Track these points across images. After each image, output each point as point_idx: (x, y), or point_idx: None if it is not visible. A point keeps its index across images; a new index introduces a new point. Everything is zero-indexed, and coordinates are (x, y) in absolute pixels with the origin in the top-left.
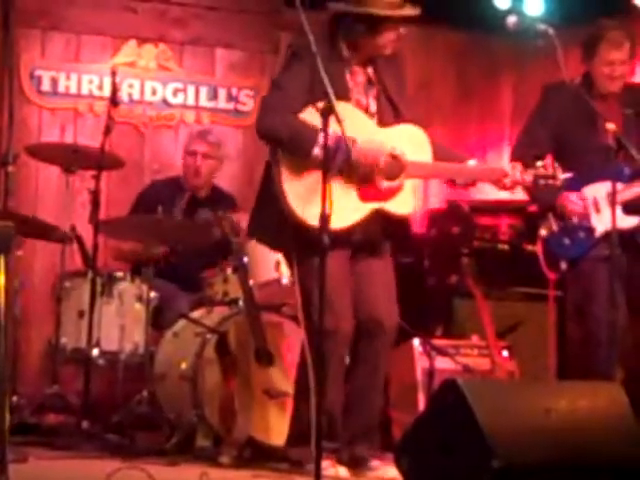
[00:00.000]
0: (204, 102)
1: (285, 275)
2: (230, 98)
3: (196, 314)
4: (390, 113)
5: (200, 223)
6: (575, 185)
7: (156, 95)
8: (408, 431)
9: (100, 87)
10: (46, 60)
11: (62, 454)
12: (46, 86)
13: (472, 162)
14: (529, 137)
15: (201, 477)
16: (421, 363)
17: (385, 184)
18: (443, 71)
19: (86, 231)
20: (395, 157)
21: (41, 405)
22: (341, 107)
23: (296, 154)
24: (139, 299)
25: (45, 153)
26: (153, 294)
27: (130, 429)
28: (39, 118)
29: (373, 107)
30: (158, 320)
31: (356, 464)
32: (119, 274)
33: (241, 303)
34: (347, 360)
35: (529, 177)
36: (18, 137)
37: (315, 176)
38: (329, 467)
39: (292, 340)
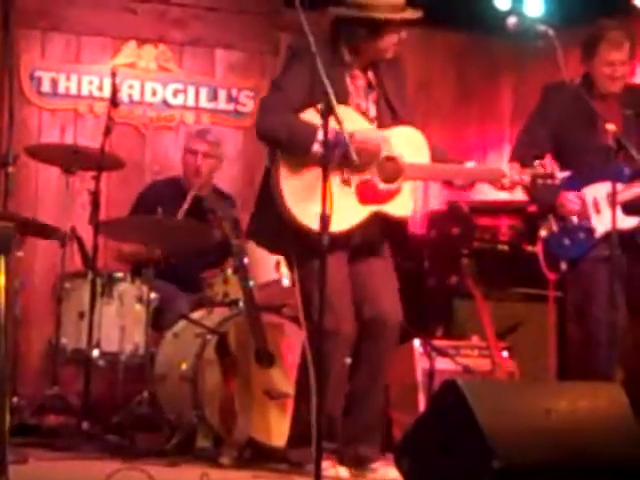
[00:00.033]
0: (204, 103)
1: (285, 276)
2: (230, 99)
3: (196, 315)
4: (389, 117)
5: (207, 211)
6: (575, 185)
7: (156, 96)
8: (408, 432)
9: (100, 88)
10: (46, 61)
11: (62, 455)
12: (46, 87)
13: (470, 163)
14: (529, 137)
15: (201, 478)
16: (421, 364)
17: (383, 186)
18: (443, 72)
19: (86, 232)
20: (393, 159)
21: (41, 406)
22: (340, 110)
23: (295, 152)
24: (139, 300)
25: (45, 154)
26: (153, 295)
27: (130, 430)
28: (39, 119)
29: (373, 111)
30: (158, 321)
31: (358, 464)
32: (119, 275)
33: (241, 304)
34: (348, 361)
35: (527, 177)
36: (18, 138)
37: (314, 177)
38: (329, 468)
39: (292, 341)
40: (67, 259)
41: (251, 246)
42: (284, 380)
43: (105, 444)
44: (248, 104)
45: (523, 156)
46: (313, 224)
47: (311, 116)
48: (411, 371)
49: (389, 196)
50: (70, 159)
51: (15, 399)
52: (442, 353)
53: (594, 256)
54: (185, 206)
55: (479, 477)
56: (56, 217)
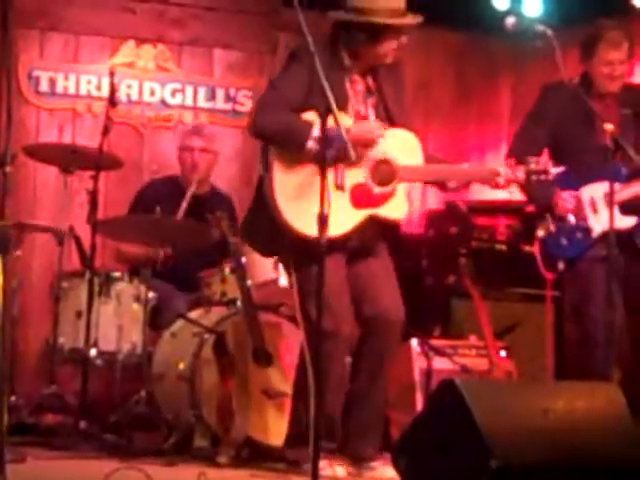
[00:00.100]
0: (202, 103)
1: (283, 275)
2: (228, 98)
3: (194, 314)
4: (386, 122)
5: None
6: (573, 185)
7: (154, 96)
8: (406, 431)
9: (98, 87)
10: (44, 61)
11: (60, 454)
12: (44, 86)
13: (464, 165)
14: (526, 136)
15: (199, 477)
16: (419, 363)
17: (377, 189)
18: (442, 72)
19: (84, 231)
20: (387, 162)
21: (39, 405)
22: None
23: (289, 149)
24: (137, 299)
25: (43, 153)
26: (151, 294)
27: (128, 429)
28: (37, 118)
29: (372, 116)
30: (156, 320)
31: (357, 463)
32: (117, 274)
33: (239, 303)
34: (348, 361)
35: (521, 173)
36: (16, 137)
37: (308, 182)
38: (326, 467)
39: (290, 341)
40: (65, 258)
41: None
42: (282, 379)
43: (103, 443)
44: (246, 104)
45: (520, 155)
46: (308, 229)
47: (311, 117)
48: (408, 370)
49: (383, 199)
50: (68, 159)
51: (13, 398)
52: (440, 352)
53: (591, 256)
54: (184, 204)
55: (477, 477)
56: (54, 216)
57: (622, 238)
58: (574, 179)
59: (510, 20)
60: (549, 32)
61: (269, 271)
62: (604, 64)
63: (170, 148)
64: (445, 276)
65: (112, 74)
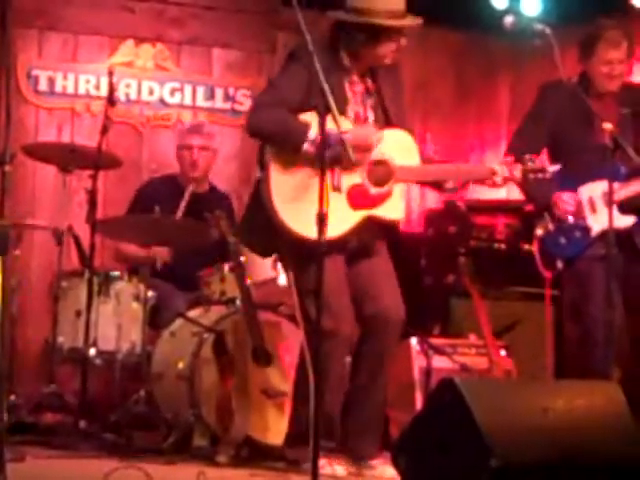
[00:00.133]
0: (201, 102)
1: (282, 274)
2: (227, 98)
3: (193, 313)
4: (384, 123)
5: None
6: (571, 184)
7: (153, 95)
8: (406, 430)
9: (97, 87)
10: (43, 60)
11: (59, 453)
12: (43, 86)
13: (461, 164)
14: (525, 135)
15: (198, 476)
16: (418, 362)
17: (374, 190)
18: (441, 71)
19: (83, 231)
20: (383, 163)
21: (38, 404)
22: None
23: (286, 148)
24: (136, 298)
25: (42, 153)
26: (150, 293)
27: (127, 428)
28: (36, 118)
29: (371, 117)
30: (155, 319)
31: (356, 461)
32: (116, 273)
33: (238, 302)
34: (348, 360)
35: (518, 172)
36: (15, 137)
37: (305, 183)
38: (326, 466)
39: (290, 340)
40: (64, 258)
41: None
42: (281, 379)
43: (102, 442)
44: (245, 103)
45: (518, 153)
46: (305, 230)
47: (311, 118)
48: (408, 369)
49: (380, 200)
50: (67, 158)
51: (12, 397)
52: (439, 351)
53: (590, 255)
54: (183, 204)
55: (476, 475)
56: (53, 216)
57: (621, 237)
58: (573, 179)
59: (509, 19)
60: (548, 31)
61: (268, 270)
62: (603, 63)
63: (169, 147)
64: (444, 275)
65: (111, 73)
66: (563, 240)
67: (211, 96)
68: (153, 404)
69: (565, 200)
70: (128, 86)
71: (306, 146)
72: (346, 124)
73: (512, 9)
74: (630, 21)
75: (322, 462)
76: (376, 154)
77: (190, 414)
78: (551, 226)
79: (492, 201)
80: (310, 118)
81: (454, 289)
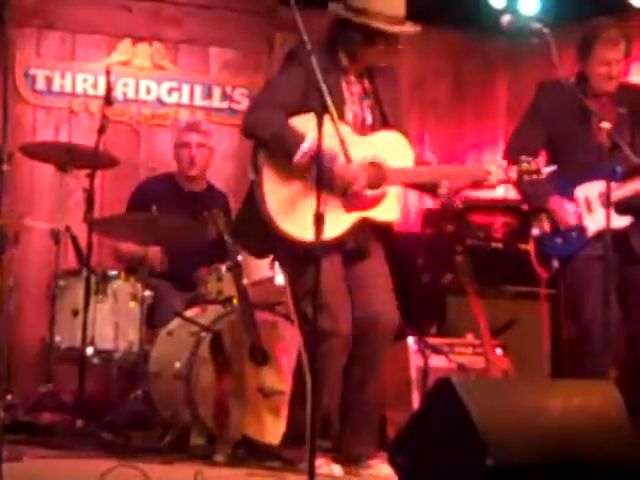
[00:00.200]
0: (198, 101)
1: (279, 273)
2: (224, 97)
3: (190, 313)
4: (381, 125)
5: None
6: (568, 185)
7: (150, 94)
8: (403, 429)
9: (95, 86)
10: (41, 59)
11: (56, 453)
12: (41, 85)
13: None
14: (523, 135)
15: (196, 475)
16: (415, 361)
17: (368, 192)
18: (438, 70)
19: (81, 230)
20: (377, 165)
21: (35, 404)
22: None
23: (278, 156)
24: (133, 298)
25: (39, 152)
26: (147, 293)
27: (124, 428)
28: (34, 117)
29: (369, 118)
30: (152, 319)
31: (352, 463)
32: (113, 273)
33: (235, 302)
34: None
35: (513, 174)
36: (12, 136)
37: (297, 186)
38: (323, 465)
39: (287, 340)
40: (61, 257)
41: None
42: (277, 378)
43: (99, 442)
44: (242, 102)
45: (516, 154)
46: (299, 232)
47: (308, 122)
48: (405, 369)
49: (374, 202)
50: (64, 157)
51: (9, 397)
52: (436, 351)
53: (586, 255)
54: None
55: (473, 475)
56: (51, 215)
57: (616, 238)
58: (570, 178)
59: (506, 18)
60: (545, 30)
61: (265, 269)
62: (601, 64)
63: (166, 146)
64: (441, 274)
65: (108, 72)
66: (559, 240)
67: (208, 95)
68: (150, 403)
69: (568, 212)
70: (126, 85)
71: (298, 157)
72: (344, 129)
73: (509, 8)
74: (627, 20)
75: (319, 462)
76: (370, 156)
77: (187, 413)
78: (547, 226)
79: (489, 200)
80: (308, 123)
81: (451, 288)
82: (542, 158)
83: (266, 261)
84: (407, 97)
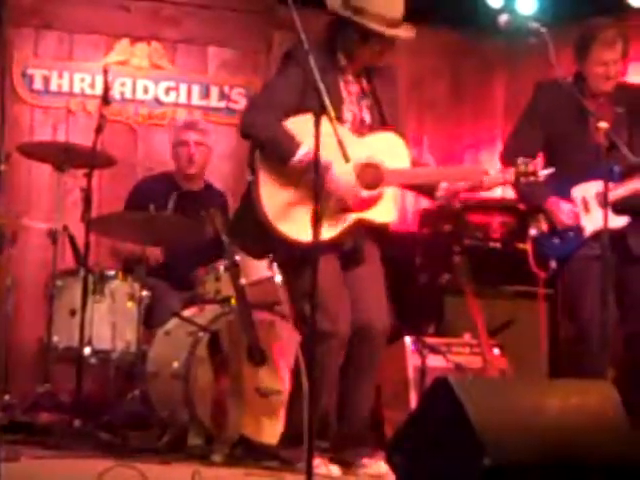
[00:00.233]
0: (196, 100)
1: (278, 273)
2: (222, 96)
3: (188, 313)
4: (379, 125)
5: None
6: (565, 185)
7: (148, 94)
8: (400, 429)
9: (92, 85)
10: (39, 59)
11: (54, 453)
12: (38, 84)
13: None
14: (521, 135)
15: (193, 475)
16: (413, 361)
17: (365, 193)
18: (436, 70)
19: (78, 230)
20: (373, 166)
21: (33, 404)
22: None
23: (273, 160)
24: (131, 297)
25: (37, 152)
26: (145, 292)
27: (122, 428)
28: (31, 117)
29: (368, 118)
30: (150, 318)
31: (349, 463)
32: (111, 273)
33: (233, 301)
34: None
35: (510, 176)
36: (10, 136)
37: (294, 182)
38: (321, 465)
39: (285, 339)
40: (59, 257)
41: None
42: (275, 378)
43: (97, 442)
44: (240, 101)
45: (514, 154)
46: (297, 234)
47: (306, 121)
48: (402, 368)
49: (371, 203)
50: (62, 157)
51: (7, 397)
52: (434, 350)
53: (584, 255)
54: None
55: (471, 474)
56: (48, 215)
57: (613, 238)
58: (567, 178)
59: (504, 18)
60: (543, 29)
61: (263, 269)
62: (598, 64)
63: (164, 146)
64: (439, 274)
65: (106, 72)
66: (557, 240)
67: (206, 95)
68: (148, 403)
69: (564, 212)
70: (123, 85)
71: (292, 164)
72: (342, 129)
73: (507, 8)
74: (625, 20)
75: (317, 462)
76: (366, 157)
77: (185, 413)
78: (545, 226)
79: (487, 199)
80: (306, 123)
81: (449, 288)
82: (540, 160)
83: (264, 261)
84: (404, 97)
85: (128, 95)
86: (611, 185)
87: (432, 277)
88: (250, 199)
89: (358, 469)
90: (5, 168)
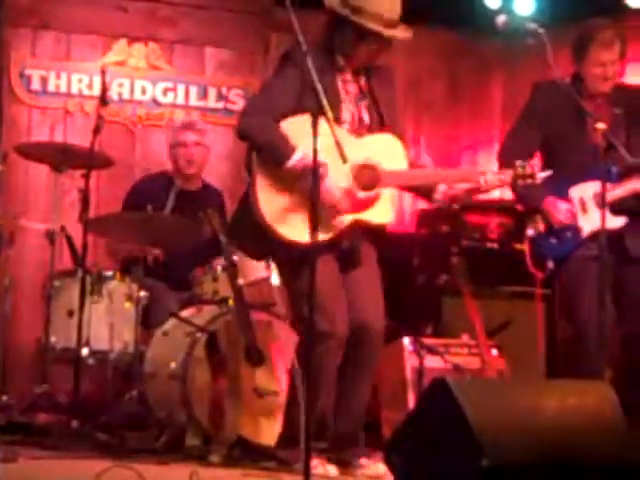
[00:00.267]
0: (194, 101)
1: (275, 274)
2: (220, 97)
3: (186, 313)
4: (377, 125)
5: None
6: (563, 185)
7: (146, 94)
8: (398, 429)
9: (90, 86)
10: (36, 59)
11: (52, 453)
12: (36, 85)
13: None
14: (518, 136)
15: (191, 476)
16: (411, 362)
17: (362, 194)
18: (433, 70)
19: (76, 230)
20: (370, 167)
21: (31, 404)
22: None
23: (269, 162)
24: (129, 298)
25: (35, 152)
26: (143, 293)
27: (120, 428)
28: (29, 117)
29: (367, 118)
30: (147, 319)
31: (346, 463)
32: (109, 273)
33: (231, 302)
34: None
35: (507, 177)
36: (7, 136)
37: (291, 183)
38: (318, 466)
39: (282, 340)
40: (56, 257)
41: None
42: (272, 378)
43: (94, 442)
44: (238, 102)
45: (511, 154)
46: (294, 234)
47: (305, 120)
48: (400, 369)
49: (368, 204)
50: (60, 157)
51: (4, 397)
52: (432, 351)
53: (581, 255)
54: (170, 203)
55: (468, 475)
56: (46, 215)
57: (611, 238)
58: (565, 179)
59: (501, 18)
60: (540, 30)
61: (261, 270)
62: (596, 65)
63: (162, 147)
64: (437, 275)
65: (103, 73)
66: (554, 240)
67: (204, 95)
68: (145, 404)
69: (561, 211)
70: (121, 85)
71: (287, 167)
72: (339, 130)
73: (505, 8)
74: (623, 21)
75: (314, 462)
76: (363, 158)
77: (183, 414)
78: (542, 226)
79: (485, 200)
80: (303, 124)
81: (447, 289)
82: (537, 162)
83: (261, 262)
84: (402, 98)
85: (126, 96)
86: (609, 186)
87: (430, 278)
88: (248, 201)
89: (356, 470)
90: (2, 168)
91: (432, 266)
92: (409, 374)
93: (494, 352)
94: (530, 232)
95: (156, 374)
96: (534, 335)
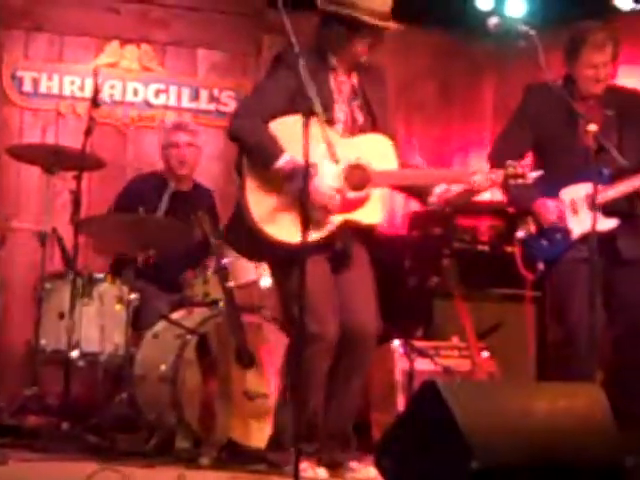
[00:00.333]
0: (186, 103)
1: (265, 276)
2: (212, 99)
3: (176, 315)
4: (369, 125)
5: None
6: (555, 187)
7: (138, 96)
8: (388, 432)
9: (82, 88)
10: (29, 61)
11: (42, 456)
12: (28, 87)
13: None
14: (509, 138)
15: (179, 479)
16: (401, 364)
17: (352, 195)
18: (425, 72)
19: (67, 232)
20: (360, 167)
21: (21, 407)
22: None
23: (257, 164)
24: (119, 300)
25: (26, 154)
26: (133, 295)
27: (110, 431)
28: (20, 119)
29: (360, 119)
30: (138, 321)
31: (336, 466)
32: (99, 275)
33: (221, 304)
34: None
35: (498, 178)
36: None
37: (280, 185)
38: (308, 469)
39: (272, 343)
40: (47, 259)
41: None
42: (262, 381)
43: (85, 445)
44: (230, 104)
45: (502, 156)
46: (283, 235)
47: (296, 121)
48: (390, 372)
49: (358, 204)
50: (51, 159)
51: None
52: (422, 354)
53: (571, 257)
54: (163, 205)
55: (458, 477)
56: (37, 217)
57: (602, 240)
58: (556, 181)
59: (493, 20)
60: (532, 32)
61: (251, 272)
62: (588, 67)
63: (153, 148)
64: (428, 277)
65: (96, 74)
66: (544, 242)
67: (196, 97)
68: (136, 406)
69: (549, 208)
70: (113, 87)
71: (274, 169)
72: (331, 131)
73: (496, 10)
74: (614, 23)
75: (304, 465)
76: (353, 158)
77: (173, 416)
78: (533, 228)
79: (476, 203)
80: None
81: (437, 291)
82: (528, 162)
83: (252, 264)
84: (393, 99)
85: (118, 97)
86: (600, 188)
87: (421, 280)
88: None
89: (346, 472)
90: None
91: (423, 268)
92: (399, 376)
93: (484, 354)
94: (520, 234)
95: (146, 376)
96: (524, 337)
